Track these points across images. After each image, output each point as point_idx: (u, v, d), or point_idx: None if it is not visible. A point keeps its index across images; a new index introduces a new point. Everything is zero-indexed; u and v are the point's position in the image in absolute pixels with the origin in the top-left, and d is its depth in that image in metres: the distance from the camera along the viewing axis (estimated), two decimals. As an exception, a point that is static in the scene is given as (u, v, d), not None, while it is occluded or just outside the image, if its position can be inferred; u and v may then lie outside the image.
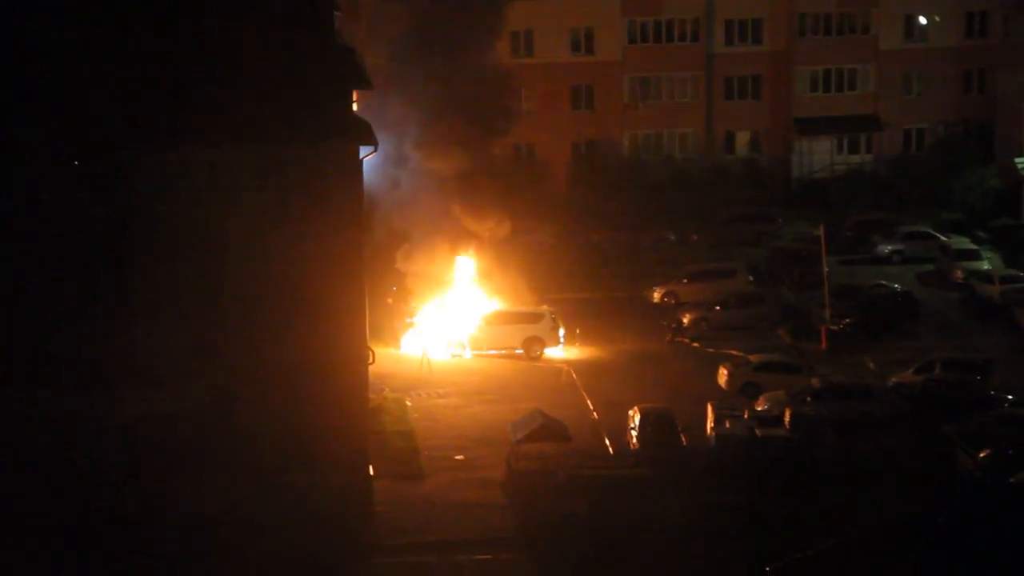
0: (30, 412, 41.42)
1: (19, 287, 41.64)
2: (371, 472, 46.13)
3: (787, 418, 51.68)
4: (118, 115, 41.42)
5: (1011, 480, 46.33)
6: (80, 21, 41.93)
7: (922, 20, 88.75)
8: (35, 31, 41.83)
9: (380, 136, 44.84)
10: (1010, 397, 54.90)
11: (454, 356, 63.65)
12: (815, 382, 55.32)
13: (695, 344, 64.55)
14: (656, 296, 70.40)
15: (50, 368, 41.55)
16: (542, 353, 63.40)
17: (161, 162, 42.10)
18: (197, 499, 41.79)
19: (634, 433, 51.43)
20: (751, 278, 70.60)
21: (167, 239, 42.27)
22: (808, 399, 53.72)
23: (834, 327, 63.70)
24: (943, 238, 76.21)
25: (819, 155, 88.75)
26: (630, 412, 52.40)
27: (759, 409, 53.74)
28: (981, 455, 48.43)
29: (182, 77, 42.04)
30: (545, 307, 65.40)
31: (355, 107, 45.70)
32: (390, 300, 65.39)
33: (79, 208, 41.69)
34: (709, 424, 52.37)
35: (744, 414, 52.71)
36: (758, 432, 50.77)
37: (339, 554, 42.64)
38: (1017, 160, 79.78)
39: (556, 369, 61.37)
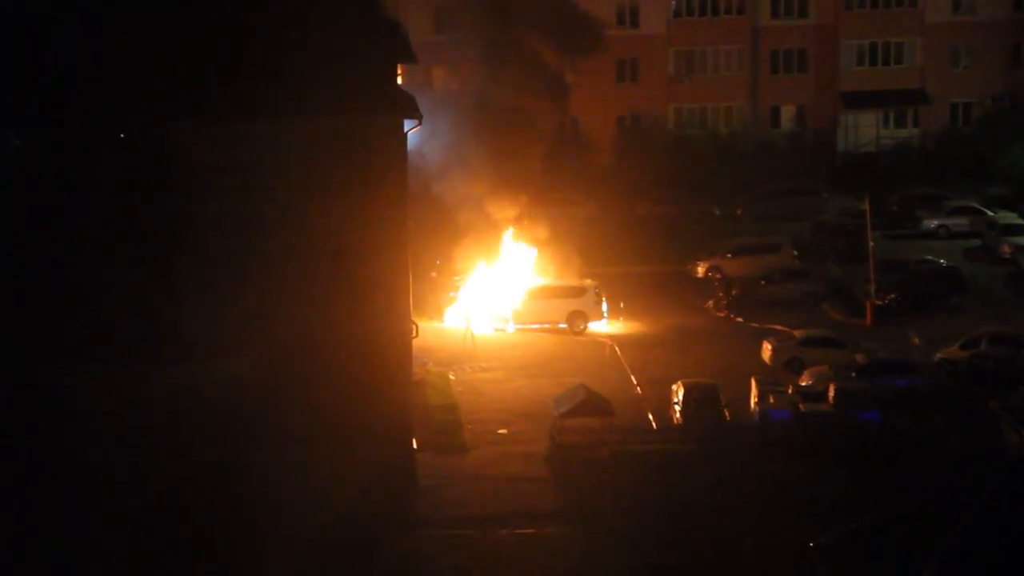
0: (78, 384, 41.61)
1: (68, 261, 41.83)
2: (414, 445, 46.26)
3: (831, 394, 51.54)
4: (164, 88, 41.52)
5: (1057, 456, 46.18)
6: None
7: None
8: (81, 4, 41.96)
9: (424, 109, 44.82)
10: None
11: (497, 330, 63.68)
12: (860, 357, 55.11)
13: (739, 319, 64.40)
14: (700, 270, 70.25)
15: (98, 340, 41.75)
16: (586, 327, 63.37)
17: (207, 135, 42.19)
18: (240, 471, 41.94)
19: (677, 408, 51.40)
20: (796, 253, 70.37)
21: (214, 212, 42.38)
22: (853, 374, 53.54)
23: (879, 302, 63.47)
24: (990, 213, 75.78)
25: (865, 129, 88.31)
26: (674, 387, 52.36)
27: (803, 384, 53.62)
28: (1027, 431, 48.22)
29: (227, 50, 42.11)
30: (589, 281, 65.31)
31: (400, 80, 45.70)
32: (434, 274, 65.45)
33: (128, 182, 41.82)
34: (753, 399, 52.26)
35: (788, 389, 52.59)
36: (802, 407, 50.66)
37: (382, 527, 42.80)
38: (1065, 134, 79.38)
39: (600, 344, 61.31)
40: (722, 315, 64.93)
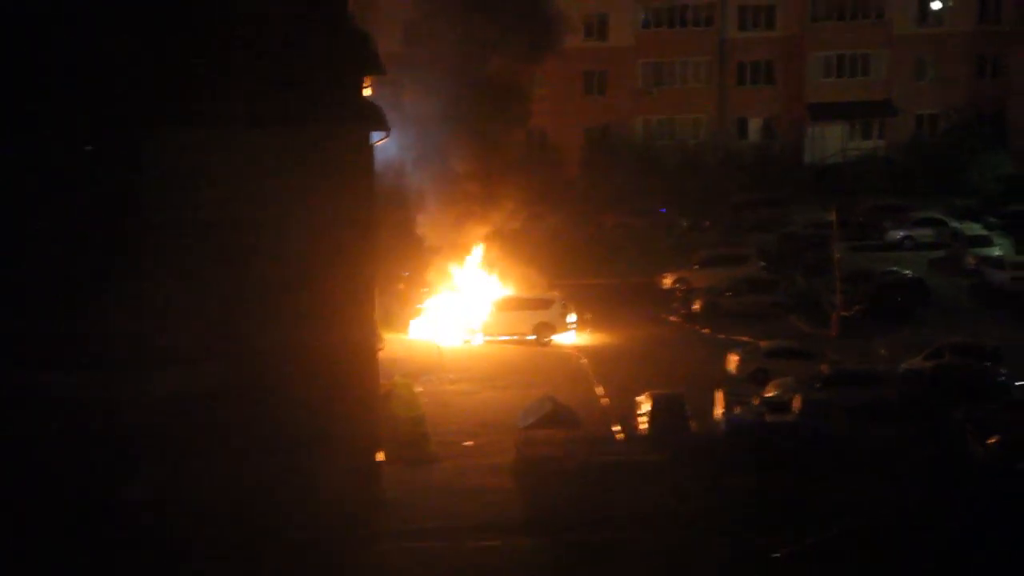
0: (52, 394, 41.56)
1: (42, 271, 41.81)
2: (381, 457, 46.27)
3: (797, 404, 51.76)
4: (133, 98, 41.57)
5: (1021, 466, 46.46)
6: (95, 4, 42.07)
7: (936, 5, 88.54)
8: (52, 13, 41.93)
9: (393, 121, 44.91)
10: (1020, 383, 54.89)
11: (465, 342, 63.77)
12: (825, 368, 55.35)
13: (705, 330, 64.60)
14: (668, 282, 70.46)
15: (72, 350, 41.70)
16: (552, 339, 63.49)
17: (176, 145, 42.20)
18: (209, 480, 41.94)
19: (644, 419, 51.51)
20: (763, 264, 70.62)
21: (184, 222, 42.38)
22: (818, 385, 53.76)
23: (845, 313, 63.74)
24: (955, 224, 76.18)
25: (832, 140, 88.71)
26: (640, 398, 52.49)
27: (769, 395, 53.79)
28: (991, 441, 48.48)
29: (196, 60, 42.13)
30: (556, 293, 65.47)
31: (368, 92, 45.78)
32: (401, 286, 65.52)
33: (98, 191, 41.83)
34: (719, 410, 52.43)
35: (754, 400, 52.79)
36: (768, 418, 50.86)
37: (348, 538, 42.82)
38: (1029, 145, 79.86)
39: (566, 355, 61.46)
40: (686, 327, 65.12)
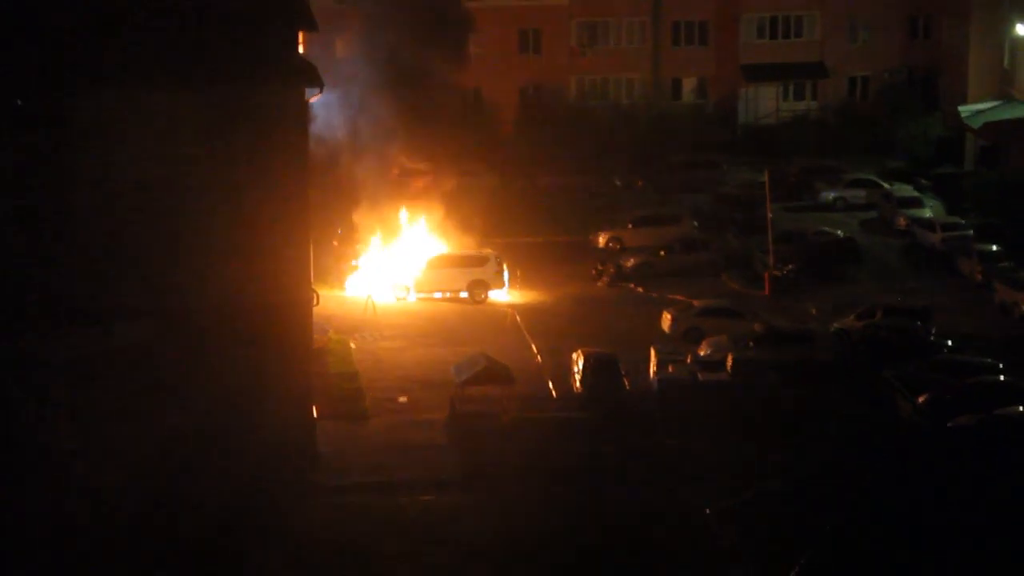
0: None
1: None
2: (315, 413, 46.29)
3: (729, 363, 52.10)
4: (58, 56, 41.21)
5: (948, 425, 46.99)
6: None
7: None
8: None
9: (326, 77, 44.74)
10: (949, 343, 55.48)
11: (399, 299, 63.70)
12: (757, 327, 55.70)
13: (639, 289, 64.80)
14: (601, 241, 70.61)
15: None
16: (487, 296, 63.53)
17: (104, 103, 41.88)
18: (140, 439, 41.80)
19: (577, 377, 51.70)
20: (696, 224, 70.87)
21: (112, 179, 42.13)
22: (751, 344, 54.11)
23: (777, 273, 64.10)
24: (886, 185, 76.72)
25: (765, 102, 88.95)
26: (573, 356, 52.66)
27: (701, 354, 54.09)
28: (920, 400, 48.98)
29: (123, 18, 41.79)
30: (490, 251, 65.45)
31: (301, 49, 45.56)
32: (336, 242, 65.35)
33: (22, 149, 41.48)
34: (652, 368, 52.70)
35: (687, 359, 53.09)
36: (700, 377, 51.17)
37: (282, 494, 42.81)
38: (961, 108, 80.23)
39: (501, 313, 61.52)
40: (614, 288, 65.17)
